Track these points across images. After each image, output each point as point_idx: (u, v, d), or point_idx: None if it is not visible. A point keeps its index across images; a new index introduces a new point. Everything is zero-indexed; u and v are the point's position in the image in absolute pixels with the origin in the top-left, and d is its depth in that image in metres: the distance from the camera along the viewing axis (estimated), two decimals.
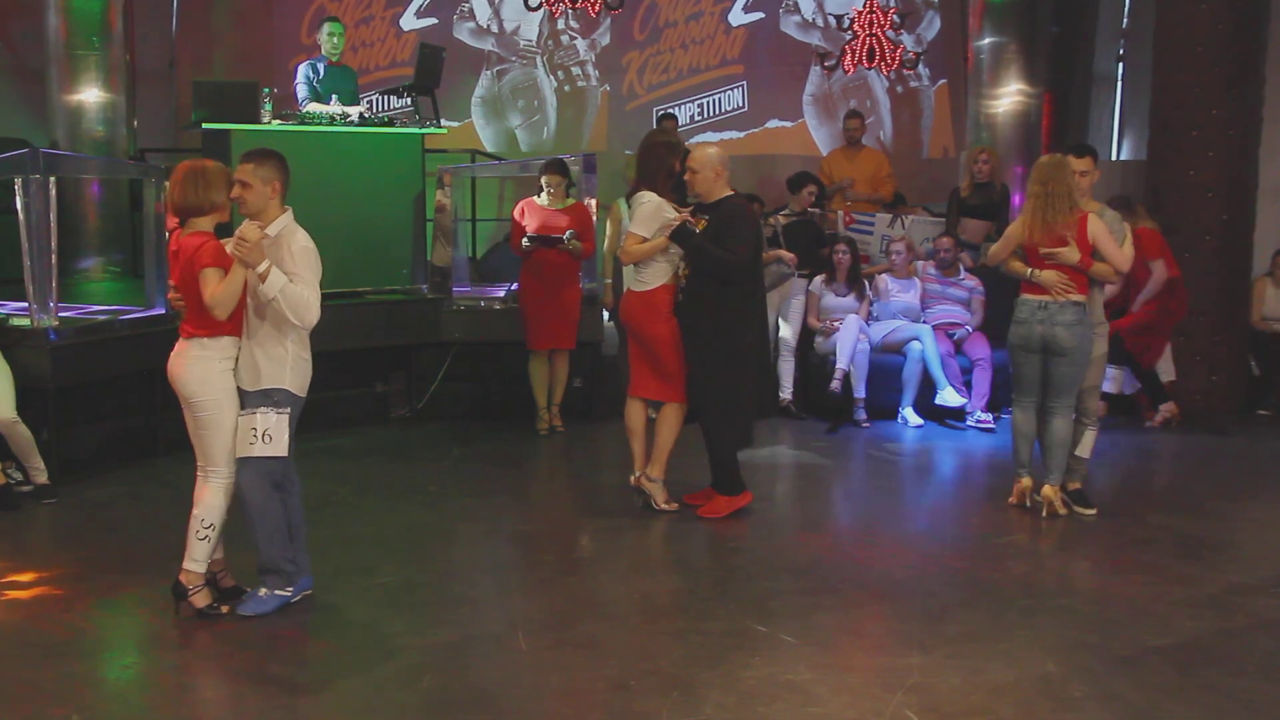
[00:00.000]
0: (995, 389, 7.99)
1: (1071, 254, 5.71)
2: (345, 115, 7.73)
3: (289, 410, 4.46)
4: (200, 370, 4.41)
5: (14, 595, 4.81)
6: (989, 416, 7.95)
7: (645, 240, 5.75)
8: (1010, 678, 4.04)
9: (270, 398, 4.43)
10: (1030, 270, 5.82)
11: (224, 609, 4.53)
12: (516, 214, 7.75)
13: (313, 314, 4.38)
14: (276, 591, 4.58)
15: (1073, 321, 5.74)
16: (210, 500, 4.46)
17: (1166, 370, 8.37)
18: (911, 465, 7.22)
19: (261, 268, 4.30)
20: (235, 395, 4.45)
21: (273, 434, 4.43)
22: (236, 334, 4.45)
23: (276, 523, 4.54)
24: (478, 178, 10.38)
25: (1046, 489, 5.93)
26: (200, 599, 4.50)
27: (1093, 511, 5.94)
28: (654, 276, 5.82)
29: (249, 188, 4.43)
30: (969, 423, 7.95)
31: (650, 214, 5.76)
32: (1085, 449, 6.03)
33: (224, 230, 4.55)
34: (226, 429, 4.43)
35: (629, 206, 6.10)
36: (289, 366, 4.45)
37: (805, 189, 8.75)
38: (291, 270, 4.38)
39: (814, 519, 6.05)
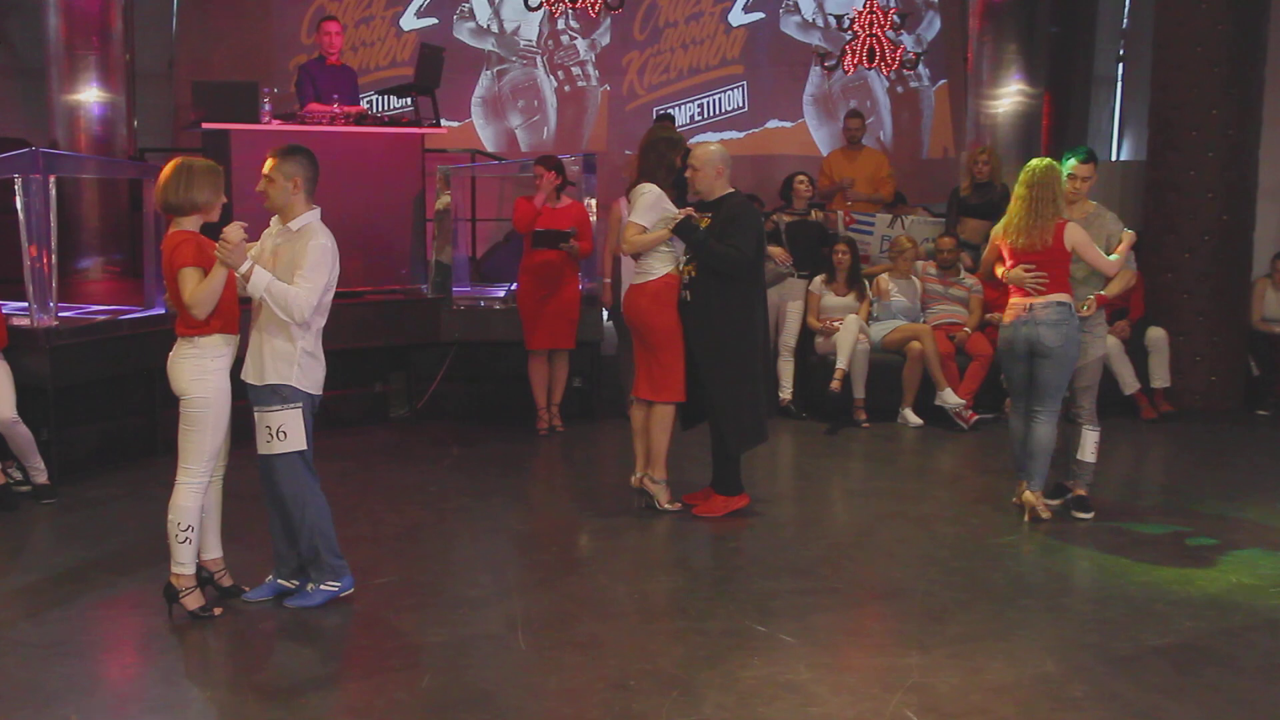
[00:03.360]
0: (985, 388, 8.00)
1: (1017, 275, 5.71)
2: (348, 116, 7.72)
3: (300, 405, 4.46)
4: (189, 369, 4.40)
5: (14, 595, 4.81)
6: (966, 414, 7.90)
7: (646, 231, 5.75)
8: (1010, 678, 4.04)
9: (279, 394, 4.43)
10: (1001, 271, 5.81)
11: (217, 611, 4.52)
12: (520, 202, 7.66)
13: (299, 310, 4.34)
14: (322, 586, 4.60)
15: (1056, 320, 5.69)
16: (181, 503, 4.43)
17: (1161, 377, 8.36)
18: (911, 466, 7.22)
19: (243, 269, 4.29)
20: (226, 396, 4.43)
21: (287, 430, 4.43)
22: (228, 332, 4.44)
23: (317, 514, 4.55)
24: (478, 178, 10.38)
25: (1027, 494, 5.85)
26: (192, 601, 4.48)
27: (1089, 516, 5.91)
28: (657, 266, 5.80)
29: (272, 182, 4.43)
30: (948, 410, 7.93)
31: (651, 204, 5.75)
32: (1087, 452, 5.94)
33: (212, 230, 4.44)
34: (210, 428, 4.41)
35: (628, 199, 6.10)
36: (296, 363, 4.43)
37: (794, 183, 8.67)
38: (299, 266, 4.36)
39: (814, 519, 6.05)
